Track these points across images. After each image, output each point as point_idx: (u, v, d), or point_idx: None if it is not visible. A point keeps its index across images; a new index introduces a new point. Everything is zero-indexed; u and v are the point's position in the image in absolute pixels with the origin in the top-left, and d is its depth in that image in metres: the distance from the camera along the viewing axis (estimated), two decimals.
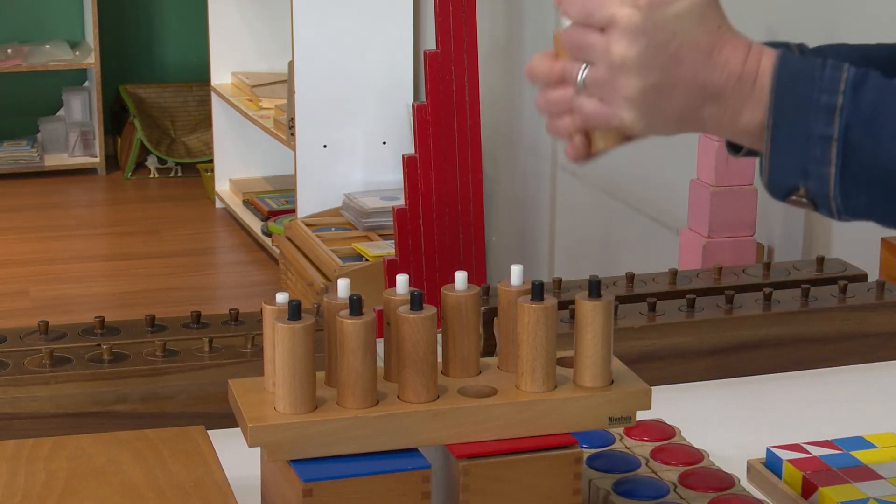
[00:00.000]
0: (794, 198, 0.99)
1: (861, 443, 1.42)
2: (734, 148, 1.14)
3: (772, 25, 2.58)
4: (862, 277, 1.82)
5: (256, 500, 1.28)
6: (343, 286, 1.18)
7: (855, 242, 2.36)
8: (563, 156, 3.55)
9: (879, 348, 1.71)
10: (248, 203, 5.09)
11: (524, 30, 3.78)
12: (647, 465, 1.36)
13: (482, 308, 1.58)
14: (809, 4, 2.51)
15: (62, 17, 5.91)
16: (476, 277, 3.53)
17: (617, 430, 1.42)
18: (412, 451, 1.17)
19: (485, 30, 3.81)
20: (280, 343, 1.14)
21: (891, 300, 1.72)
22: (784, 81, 0.97)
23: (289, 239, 4.33)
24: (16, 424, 1.44)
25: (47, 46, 5.80)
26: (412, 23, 4.50)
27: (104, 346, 1.49)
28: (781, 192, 0.99)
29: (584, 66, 1.01)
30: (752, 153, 1.15)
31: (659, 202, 3.10)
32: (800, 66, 0.98)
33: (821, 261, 1.85)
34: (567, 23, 1.04)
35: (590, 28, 0.99)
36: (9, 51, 5.72)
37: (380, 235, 4.22)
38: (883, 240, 2.00)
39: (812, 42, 1.25)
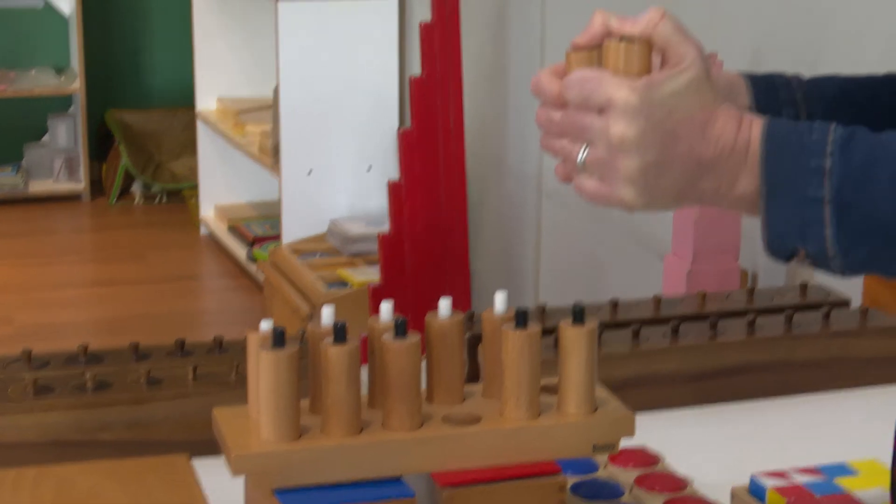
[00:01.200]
0: (796, 259, 1.01)
1: (845, 470, 1.42)
2: None
3: (758, 50, 2.59)
4: (845, 304, 1.83)
5: None
6: (327, 314, 1.18)
7: None
8: (549, 181, 3.56)
9: (863, 374, 1.72)
10: (232, 229, 5.09)
11: (509, 55, 3.79)
12: (631, 492, 1.36)
13: (467, 335, 1.58)
14: (795, 31, 2.52)
15: (48, 43, 5.91)
16: (461, 303, 3.53)
17: (601, 457, 1.42)
18: (396, 480, 1.17)
19: (470, 55, 3.82)
20: (264, 371, 1.14)
21: (873, 326, 1.73)
22: (773, 148, 0.99)
23: (274, 265, 4.32)
24: (1, 453, 1.43)
25: (33, 72, 5.80)
26: (397, 48, 4.51)
27: (88, 374, 1.49)
28: (782, 255, 1.01)
29: (584, 146, 1.02)
30: None
31: (643, 228, 3.10)
32: (787, 132, 1.00)
33: (804, 287, 1.85)
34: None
35: (588, 110, 1.01)
36: None
37: (365, 261, 4.22)
38: None
39: (797, 69, 1.26)
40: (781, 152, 0.99)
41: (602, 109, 1.00)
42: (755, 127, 1.01)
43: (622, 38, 1.03)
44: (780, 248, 1.00)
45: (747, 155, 1.00)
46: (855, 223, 0.97)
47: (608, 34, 1.05)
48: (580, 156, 1.02)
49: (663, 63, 1.03)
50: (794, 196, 0.98)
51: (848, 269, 0.99)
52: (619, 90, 1.00)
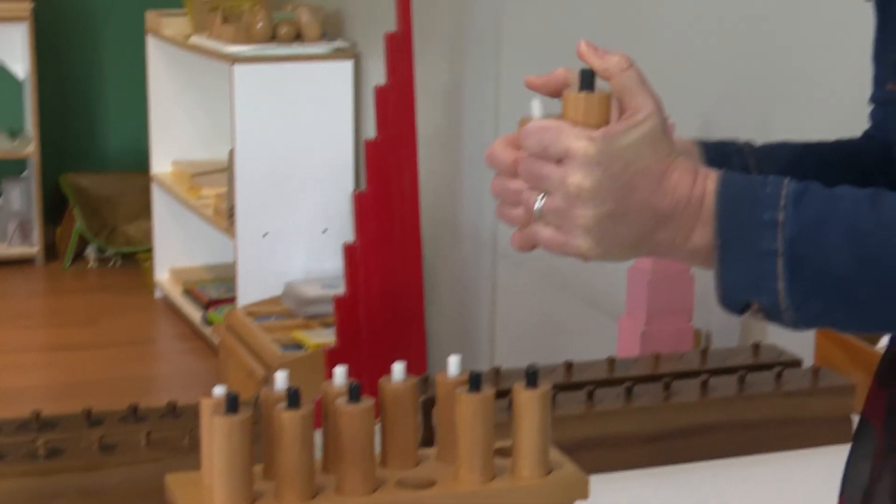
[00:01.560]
0: (749, 313, 1.01)
1: None
2: None
3: (707, 117, 2.62)
4: (797, 363, 1.84)
5: None
6: (281, 378, 1.18)
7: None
8: (504, 243, 3.57)
9: (815, 434, 1.73)
10: (187, 292, 5.07)
11: (464, 119, 3.81)
12: None
13: (421, 398, 1.58)
14: (744, 98, 2.55)
15: (1, 106, 5.90)
16: (417, 366, 3.53)
17: None
18: None
19: (424, 118, 3.84)
20: (217, 437, 1.14)
21: (825, 386, 1.74)
22: (727, 201, 1.00)
23: (229, 328, 4.31)
24: None
25: None
26: (353, 111, 4.52)
27: (40, 441, 1.48)
28: (736, 308, 1.01)
29: (541, 195, 1.02)
30: None
31: (598, 289, 3.12)
32: (741, 185, 1.00)
33: (756, 347, 1.86)
34: (535, 109, 1.06)
35: (547, 159, 1.01)
36: None
37: (321, 324, 4.21)
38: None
39: (747, 135, 1.28)
40: (735, 205, 1.00)
41: (560, 160, 1.01)
42: (710, 180, 1.01)
43: (581, 87, 1.04)
44: (734, 301, 1.01)
45: (702, 207, 1.01)
46: (807, 277, 0.97)
47: (565, 87, 1.06)
48: (537, 204, 1.03)
49: (621, 112, 1.03)
50: (747, 249, 0.99)
51: (801, 323, 1.00)
52: (577, 140, 1.00)
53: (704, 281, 2.58)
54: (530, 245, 1.08)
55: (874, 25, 1.16)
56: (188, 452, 1.49)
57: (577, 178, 1.00)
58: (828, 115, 2.29)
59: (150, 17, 5.21)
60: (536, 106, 1.06)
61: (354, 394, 1.17)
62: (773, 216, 0.98)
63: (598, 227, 1.01)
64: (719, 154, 1.18)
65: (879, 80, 1.21)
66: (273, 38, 4.49)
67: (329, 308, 4.06)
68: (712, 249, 1.00)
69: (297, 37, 4.51)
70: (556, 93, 1.07)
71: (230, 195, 4.52)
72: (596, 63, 1.04)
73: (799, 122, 2.39)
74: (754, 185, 1.00)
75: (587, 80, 1.04)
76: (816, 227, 0.98)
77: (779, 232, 0.98)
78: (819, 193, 0.99)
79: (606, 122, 1.02)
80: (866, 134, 1.27)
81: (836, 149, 1.24)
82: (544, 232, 1.03)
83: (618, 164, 1.00)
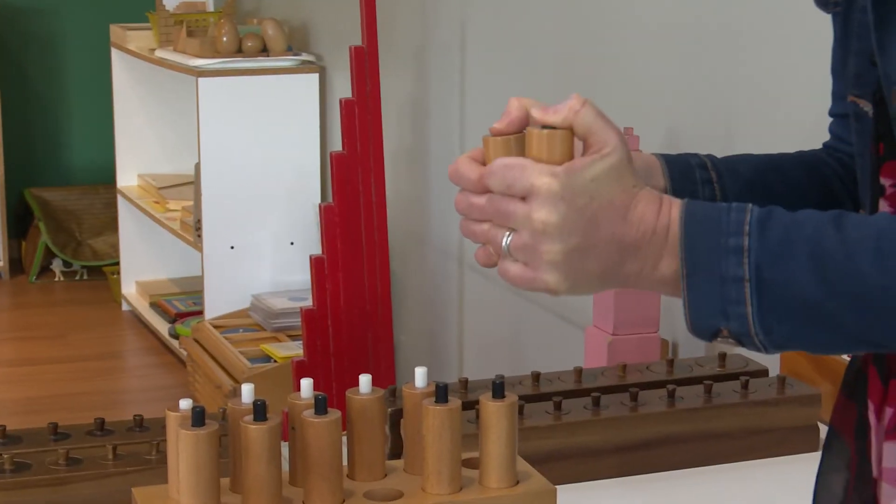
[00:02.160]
0: (719, 339, 1.01)
1: None
2: None
3: (672, 129, 2.63)
4: (763, 373, 1.85)
5: None
6: (247, 391, 1.18)
7: None
8: (471, 255, 3.57)
9: (782, 443, 1.73)
10: (155, 305, 5.05)
11: (429, 130, 3.82)
12: None
13: (389, 409, 1.58)
14: (708, 111, 2.56)
15: None
16: (384, 378, 3.53)
17: None
18: None
19: (390, 131, 3.84)
20: (183, 450, 1.13)
21: (791, 395, 1.75)
22: (692, 229, 1.00)
23: (196, 341, 4.29)
24: None
25: None
26: (319, 124, 4.52)
27: (5, 456, 1.47)
28: (706, 335, 1.01)
29: (508, 233, 1.02)
30: None
31: (565, 300, 3.12)
32: (705, 213, 1.01)
33: (723, 357, 1.87)
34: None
35: (511, 197, 1.02)
36: None
37: (288, 336, 4.20)
38: None
39: (710, 147, 1.28)
40: (700, 233, 1.00)
41: (525, 196, 1.01)
42: (674, 209, 1.02)
43: (544, 126, 1.04)
44: (703, 327, 1.01)
45: (667, 237, 1.01)
46: (775, 301, 0.98)
47: (527, 120, 1.07)
48: (504, 241, 1.03)
49: (585, 149, 1.03)
50: (714, 275, 0.99)
51: (771, 347, 1.00)
52: (540, 177, 1.00)
53: None
54: (495, 262, 1.08)
55: (833, 39, 1.17)
56: (155, 466, 1.48)
57: (542, 214, 1.00)
58: (790, 127, 2.31)
59: (115, 30, 5.20)
60: None
61: (321, 406, 1.17)
62: (739, 242, 0.99)
63: (566, 261, 1.01)
64: (681, 168, 1.18)
65: (838, 94, 1.21)
66: (239, 51, 4.48)
67: (296, 320, 4.05)
68: (679, 279, 1.01)
69: (263, 50, 4.50)
70: (519, 129, 1.07)
71: (196, 208, 4.51)
72: (552, 120, 1.04)
73: (762, 134, 2.40)
74: (718, 212, 1.01)
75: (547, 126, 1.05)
76: (781, 251, 0.98)
77: (744, 258, 0.98)
78: (783, 218, 1.00)
79: (570, 157, 1.03)
80: (826, 146, 1.28)
81: (797, 161, 1.25)
82: (513, 269, 1.03)
83: (582, 199, 1.00)
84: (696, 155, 1.20)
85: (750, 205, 1.00)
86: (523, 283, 1.03)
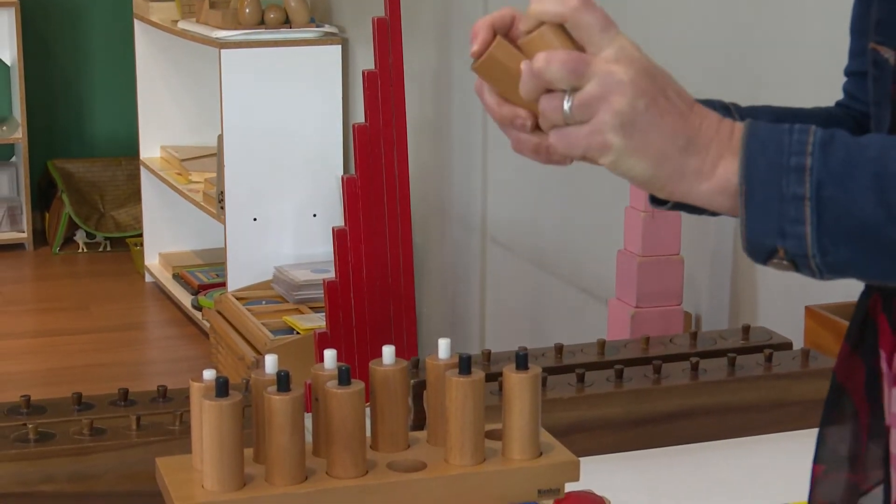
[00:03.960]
0: (774, 260, 0.99)
1: None
2: (657, 201, 1.15)
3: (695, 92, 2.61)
4: (787, 346, 1.84)
5: None
6: (271, 362, 1.18)
7: (780, 311, 2.39)
8: (493, 227, 3.57)
9: (805, 416, 1.73)
10: (177, 277, 5.06)
11: (452, 102, 3.81)
12: None
13: (412, 381, 1.58)
14: (731, 75, 2.55)
15: None
16: (407, 350, 3.53)
17: (546, 503, 1.42)
18: None
19: (413, 103, 3.83)
20: (207, 421, 1.13)
21: (815, 368, 1.74)
22: (754, 147, 0.98)
23: (219, 313, 4.30)
24: None
25: None
26: (341, 96, 4.52)
27: (30, 426, 1.48)
28: (762, 255, 0.99)
29: (568, 93, 0.99)
30: (677, 207, 1.15)
31: (587, 273, 3.12)
32: (768, 132, 0.99)
33: (746, 329, 1.87)
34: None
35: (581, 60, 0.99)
36: None
37: (311, 308, 4.21)
38: (807, 308, 2.02)
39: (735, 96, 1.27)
40: (763, 147, 0.98)
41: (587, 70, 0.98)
42: (737, 122, 1.00)
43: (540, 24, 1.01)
44: (759, 246, 0.99)
45: (731, 139, 0.99)
46: (835, 222, 0.96)
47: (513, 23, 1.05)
48: (566, 101, 0.99)
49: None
50: (774, 193, 0.97)
51: (827, 271, 0.98)
52: (612, 44, 0.98)
53: (693, 263, 2.58)
54: (544, 152, 1.05)
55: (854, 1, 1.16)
56: (179, 437, 1.49)
57: (619, 68, 0.97)
58: (811, 89, 2.29)
59: (138, 2, 5.20)
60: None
61: (344, 377, 1.17)
62: (801, 161, 0.97)
63: (631, 121, 0.97)
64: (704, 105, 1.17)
65: (856, 51, 1.20)
66: (261, 23, 4.48)
67: (319, 293, 4.06)
68: (737, 188, 0.99)
69: (286, 22, 4.50)
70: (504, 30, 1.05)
71: (219, 180, 4.52)
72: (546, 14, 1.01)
73: (784, 97, 2.39)
74: (782, 132, 0.99)
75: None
76: (844, 172, 0.96)
77: (806, 177, 0.96)
78: (846, 140, 0.98)
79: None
80: (839, 104, 1.27)
81: (815, 113, 1.24)
82: (570, 130, 0.99)
83: (652, 69, 0.99)
84: (720, 101, 1.19)
85: (813, 126, 0.99)
86: (580, 141, 0.99)
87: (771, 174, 0.98)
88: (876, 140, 0.98)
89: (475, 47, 1.06)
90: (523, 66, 1.01)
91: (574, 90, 0.99)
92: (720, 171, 0.99)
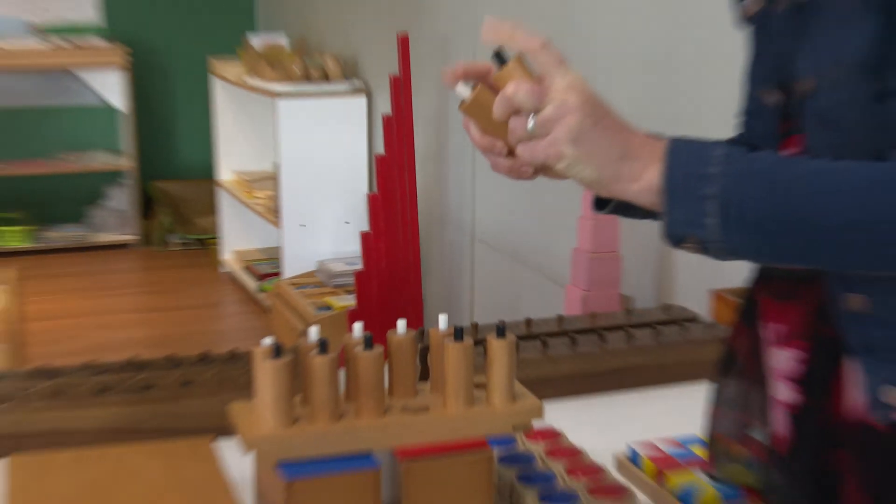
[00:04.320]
0: (685, 245, 0.97)
1: (697, 441, 1.43)
2: (599, 206, 1.14)
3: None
4: (697, 319, 1.84)
5: (250, 494, 1.27)
6: (314, 332, 1.18)
7: (692, 293, 2.39)
8: (481, 230, 3.57)
9: (709, 371, 1.72)
10: (246, 268, 5.06)
11: (449, 139, 3.81)
12: (542, 460, 1.36)
13: (419, 346, 1.58)
14: (649, 119, 2.55)
15: (105, 132, 5.88)
16: (415, 322, 3.53)
17: (520, 435, 1.42)
18: (366, 455, 1.17)
19: (420, 139, 3.83)
20: (266, 376, 1.13)
21: (718, 335, 1.74)
22: (673, 158, 0.97)
23: (276, 295, 4.30)
24: (71, 439, 1.42)
25: (94, 154, 5.77)
26: (366, 134, 4.51)
27: (135, 379, 1.48)
28: (676, 240, 0.97)
29: (531, 116, 0.98)
30: (615, 211, 1.14)
31: (550, 265, 3.11)
32: (685, 145, 0.97)
33: (667, 307, 1.86)
34: (463, 92, 1.04)
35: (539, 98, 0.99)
36: (65, 157, 5.68)
37: (344, 291, 4.21)
38: (712, 291, 2.02)
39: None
40: (680, 158, 0.96)
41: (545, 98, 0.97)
42: (661, 139, 0.99)
43: (500, 64, 1.01)
44: (675, 234, 0.97)
45: (656, 151, 0.97)
46: (734, 217, 0.94)
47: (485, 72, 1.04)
48: (530, 122, 0.98)
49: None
50: (689, 194, 0.95)
51: (727, 253, 0.96)
52: (563, 77, 0.97)
53: (628, 258, 2.58)
54: (515, 172, 1.05)
55: (750, 49, 1.15)
56: (246, 387, 1.48)
57: (571, 95, 0.97)
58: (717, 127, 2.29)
59: (214, 62, 5.19)
60: (461, 88, 1.05)
61: (368, 343, 1.17)
62: (709, 170, 0.95)
63: (580, 136, 0.96)
64: None
65: (748, 94, 1.19)
66: (306, 78, 4.47)
67: (351, 280, 4.06)
68: (660, 190, 0.97)
69: (325, 77, 4.49)
70: (478, 77, 1.05)
71: (277, 196, 4.51)
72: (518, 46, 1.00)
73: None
74: (695, 146, 0.97)
75: (500, 56, 1.02)
76: (743, 179, 0.94)
77: (715, 182, 0.95)
78: (744, 154, 0.96)
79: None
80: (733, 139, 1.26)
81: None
82: (537, 146, 0.98)
83: (595, 97, 0.97)
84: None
85: (720, 143, 0.97)
86: (541, 151, 0.98)
87: (686, 179, 0.96)
88: (766, 154, 0.97)
89: (451, 79, 1.06)
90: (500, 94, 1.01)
91: (536, 112, 0.98)
92: (647, 176, 0.98)
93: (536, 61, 1.00)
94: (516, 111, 1.00)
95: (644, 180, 0.98)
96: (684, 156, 0.97)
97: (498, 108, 1.02)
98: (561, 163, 0.98)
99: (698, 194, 0.95)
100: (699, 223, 0.96)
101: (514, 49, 1.01)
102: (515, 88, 0.99)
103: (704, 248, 0.97)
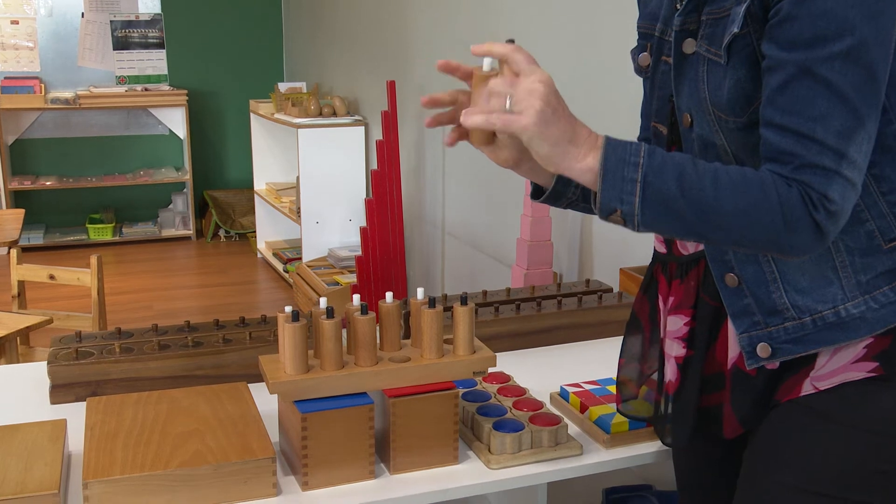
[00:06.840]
0: (612, 217, 0.94)
1: (611, 381, 1.41)
2: (535, 196, 1.11)
3: None
4: (610, 290, 1.82)
5: (275, 425, 1.24)
6: (323, 302, 1.15)
7: (607, 271, 2.37)
8: (450, 225, 3.54)
9: (618, 331, 1.71)
10: (275, 255, 5.02)
11: (426, 158, 3.78)
12: (495, 397, 1.34)
13: (403, 311, 1.55)
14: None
15: (172, 154, 5.81)
16: (400, 294, 3.50)
17: (478, 378, 1.40)
18: (363, 395, 1.14)
19: (404, 158, 3.80)
20: (286, 335, 1.11)
21: (625, 303, 1.73)
22: (609, 149, 0.94)
23: (298, 274, 4.26)
24: (138, 384, 1.38)
25: (162, 170, 5.69)
26: (364, 155, 4.48)
27: (189, 338, 1.45)
28: (606, 213, 0.94)
29: (508, 97, 0.94)
30: (547, 200, 1.11)
31: (501, 250, 3.10)
32: (619, 142, 0.95)
33: (587, 282, 1.85)
34: (486, 64, 0.98)
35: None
36: (140, 172, 5.60)
37: (349, 271, 4.18)
38: (621, 269, 2.00)
39: None
40: (615, 150, 0.94)
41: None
42: (601, 135, 0.96)
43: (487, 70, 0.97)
44: (606, 207, 0.94)
45: (596, 142, 0.95)
46: (651, 197, 0.92)
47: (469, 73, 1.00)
48: (508, 101, 0.94)
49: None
50: (619, 177, 0.93)
51: (643, 226, 0.94)
52: (535, 72, 0.93)
53: (558, 244, 2.56)
54: (458, 138, 1.02)
55: (644, 91, 1.13)
56: (272, 343, 1.46)
57: (537, 85, 0.93)
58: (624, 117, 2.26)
59: (252, 103, 5.14)
60: (487, 62, 0.99)
61: (364, 310, 1.14)
62: (636, 160, 0.93)
63: (542, 116, 0.92)
64: None
65: (644, 125, 1.16)
66: (320, 114, 4.43)
67: (353, 263, 4.02)
68: (597, 172, 0.94)
69: (333, 113, 4.45)
70: (464, 77, 1.01)
71: (297, 201, 4.47)
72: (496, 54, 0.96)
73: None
74: (627, 143, 0.94)
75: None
76: (660, 169, 0.92)
77: (639, 170, 0.93)
78: (662, 152, 0.94)
79: None
80: None
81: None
82: (508, 117, 0.93)
83: (556, 90, 0.94)
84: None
85: (644, 143, 0.95)
86: (515, 123, 0.93)
87: (617, 165, 0.93)
88: (679, 154, 0.95)
89: (454, 63, 1.02)
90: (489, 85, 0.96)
91: (511, 96, 0.94)
92: (588, 160, 0.95)
93: (512, 61, 0.96)
94: (497, 95, 0.96)
95: (586, 163, 0.95)
96: (618, 148, 0.94)
97: (487, 94, 0.96)
98: (524, 135, 0.94)
99: (626, 177, 0.93)
100: (625, 200, 0.93)
101: (497, 57, 0.97)
102: (498, 82, 0.96)
103: (626, 220, 0.94)
